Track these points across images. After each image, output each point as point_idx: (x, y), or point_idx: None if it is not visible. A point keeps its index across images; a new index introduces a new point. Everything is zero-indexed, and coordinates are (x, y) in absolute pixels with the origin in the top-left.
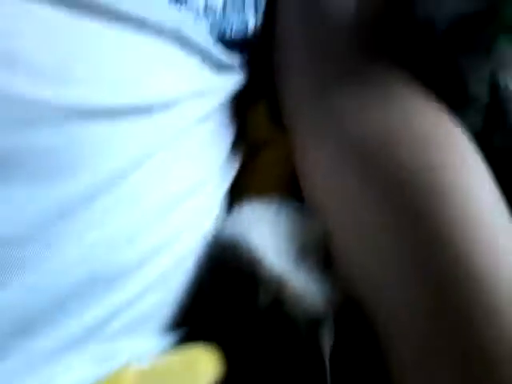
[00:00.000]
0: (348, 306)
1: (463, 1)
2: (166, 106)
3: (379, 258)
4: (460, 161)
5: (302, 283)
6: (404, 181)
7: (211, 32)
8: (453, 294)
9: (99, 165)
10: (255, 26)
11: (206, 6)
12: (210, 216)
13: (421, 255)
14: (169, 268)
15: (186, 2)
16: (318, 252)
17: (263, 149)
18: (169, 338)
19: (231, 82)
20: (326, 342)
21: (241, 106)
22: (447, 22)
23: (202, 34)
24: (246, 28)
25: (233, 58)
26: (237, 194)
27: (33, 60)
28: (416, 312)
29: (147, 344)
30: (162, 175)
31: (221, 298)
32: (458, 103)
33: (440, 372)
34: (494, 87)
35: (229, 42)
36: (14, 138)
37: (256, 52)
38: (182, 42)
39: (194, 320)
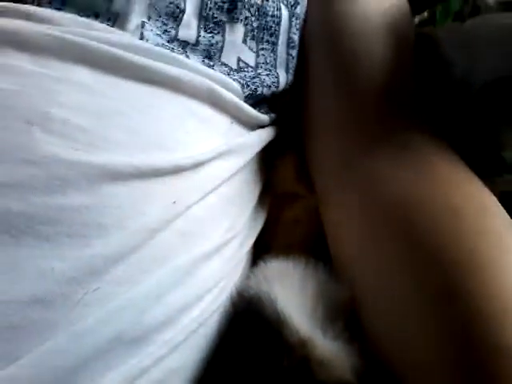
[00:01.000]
0: (375, 373)
1: (494, 69)
2: (195, 166)
3: (412, 330)
4: (495, 236)
5: (329, 348)
6: (428, 247)
7: (243, 89)
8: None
9: (128, 225)
10: (286, 83)
11: (238, 63)
12: (235, 272)
13: (458, 331)
14: (192, 327)
15: (219, 59)
16: (345, 316)
17: (289, 203)
18: None
19: (260, 137)
20: None
21: (268, 158)
22: (483, 83)
23: (233, 90)
24: (277, 85)
25: (263, 114)
26: (261, 249)
27: (68, 122)
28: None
29: None
30: (188, 234)
31: (245, 358)
32: (493, 169)
33: None
34: None
35: (260, 99)
36: (45, 198)
37: (286, 107)
38: (214, 99)
39: (216, 381)
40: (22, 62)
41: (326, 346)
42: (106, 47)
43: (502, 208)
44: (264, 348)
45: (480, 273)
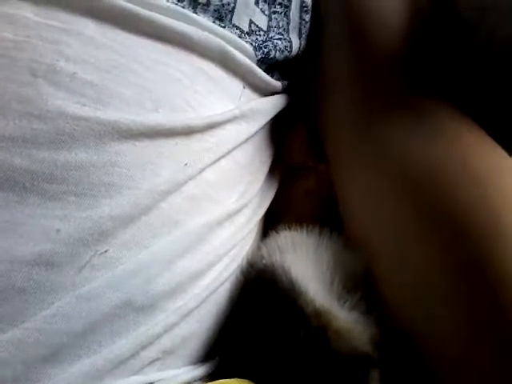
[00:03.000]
0: (393, 340)
1: None
2: (206, 128)
3: (429, 291)
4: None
5: (346, 319)
6: (450, 214)
7: (255, 52)
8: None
9: (137, 186)
10: (299, 48)
11: (250, 26)
12: (247, 242)
13: (488, 293)
14: (203, 295)
15: (231, 21)
16: (361, 287)
17: (300, 175)
18: (200, 370)
19: (273, 104)
20: (376, 376)
21: (280, 129)
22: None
23: (246, 52)
24: (290, 50)
25: (275, 80)
26: (272, 220)
27: (75, 76)
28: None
29: (178, 376)
30: (200, 199)
31: (258, 328)
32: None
33: None
34: None
35: (272, 63)
36: (50, 154)
37: (297, 76)
38: (227, 61)
39: (225, 351)
40: (25, 11)
41: (342, 316)
42: (117, 0)
43: None
44: (278, 318)
45: (506, 237)
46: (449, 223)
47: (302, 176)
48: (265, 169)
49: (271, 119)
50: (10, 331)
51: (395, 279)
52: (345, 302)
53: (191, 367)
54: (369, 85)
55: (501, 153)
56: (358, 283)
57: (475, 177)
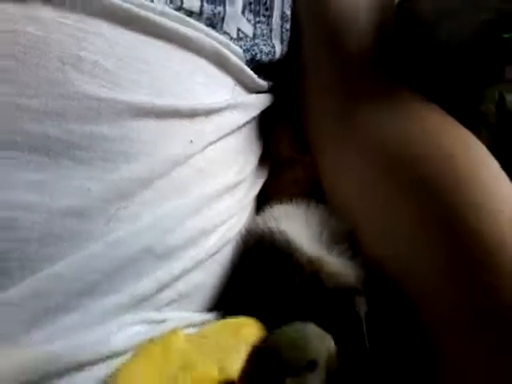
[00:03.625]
0: (375, 279)
1: (470, 32)
2: (207, 112)
3: (405, 239)
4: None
5: (335, 263)
6: (421, 176)
7: (244, 55)
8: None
9: (148, 157)
10: (281, 53)
11: (238, 33)
12: (244, 213)
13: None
14: (212, 250)
15: (221, 28)
16: (347, 240)
17: (288, 166)
18: (209, 315)
19: (260, 100)
20: (362, 307)
21: (267, 126)
22: (458, 49)
23: (236, 54)
24: (274, 54)
25: (261, 80)
26: (263, 205)
27: (97, 63)
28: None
29: (191, 318)
30: (204, 171)
31: (258, 280)
32: (471, 121)
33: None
34: (502, 107)
35: (258, 66)
36: (78, 126)
37: (282, 77)
38: (220, 60)
39: (232, 301)
40: (45, 13)
41: (332, 261)
42: (124, 4)
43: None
44: (277, 271)
45: (467, 189)
46: (423, 186)
47: (289, 166)
48: (257, 155)
49: (259, 114)
50: (51, 268)
51: (373, 235)
52: (333, 251)
53: (203, 313)
54: (346, 79)
55: (463, 129)
56: (344, 237)
57: (443, 147)
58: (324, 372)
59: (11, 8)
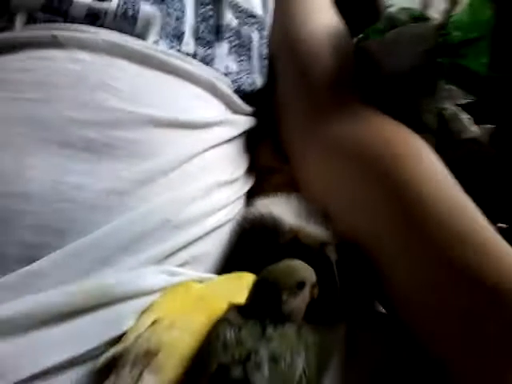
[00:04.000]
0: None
1: (410, 61)
2: (204, 125)
3: (367, 215)
4: (415, 151)
5: (311, 228)
6: (379, 168)
7: (231, 85)
8: (415, 216)
9: (162, 155)
10: (261, 84)
11: (226, 69)
12: (239, 202)
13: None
14: (213, 227)
15: (213, 65)
16: (321, 216)
17: (269, 175)
18: (216, 276)
19: (246, 120)
20: (332, 255)
21: (252, 142)
22: (401, 77)
23: (226, 85)
24: (255, 85)
25: (246, 105)
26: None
27: (120, 88)
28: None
29: (201, 276)
30: (205, 169)
31: (251, 249)
32: (416, 128)
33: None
34: (441, 115)
35: (243, 94)
36: (110, 132)
37: (263, 104)
38: (214, 90)
39: (233, 268)
40: (83, 55)
41: (309, 228)
42: (140, 48)
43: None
44: (266, 238)
45: (410, 173)
46: (381, 176)
47: (271, 174)
48: (245, 165)
49: (246, 132)
50: (100, 230)
51: (340, 212)
52: (309, 223)
53: (210, 274)
54: (313, 100)
55: (412, 134)
56: (318, 215)
57: (397, 147)
58: (309, 294)
59: (55, 52)
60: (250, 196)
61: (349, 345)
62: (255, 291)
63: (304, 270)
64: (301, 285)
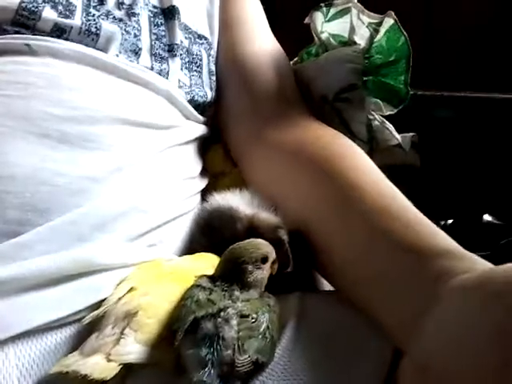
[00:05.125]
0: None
1: (341, 80)
2: (164, 128)
3: (307, 202)
4: (348, 149)
5: (264, 215)
6: (315, 165)
7: (185, 96)
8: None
9: (129, 149)
10: (211, 97)
11: (179, 83)
12: (197, 197)
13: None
14: (179, 212)
15: (167, 78)
16: (269, 208)
17: (221, 178)
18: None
19: (199, 127)
20: (285, 237)
21: (204, 149)
22: (333, 93)
23: (181, 95)
24: (206, 97)
25: (199, 114)
26: None
27: (89, 90)
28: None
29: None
30: (172, 164)
31: (211, 233)
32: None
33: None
34: (369, 126)
35: (196, 105)
36: (82, 128)
37: (213, 115)
38: (171, 99)
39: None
40: (55, 62)
41: (261, 214)
42: (105, 58)
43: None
44: (224, 225)
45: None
46: (319, 173)
47: (222, 177)
48: (199, 166)
49: (199, 140)
50: (78, 209)
51: (292, 204)
52: (262, 210)
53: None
54: (256, 108)
55: (347, 139)
56: (267, 205)
57: (333, 149)
58: (269, 269)
59: (29, 58)
60: (204, 196)
61: (301, 310)
62: (224, 263)
63: (267, 247)
64: (264, 259)
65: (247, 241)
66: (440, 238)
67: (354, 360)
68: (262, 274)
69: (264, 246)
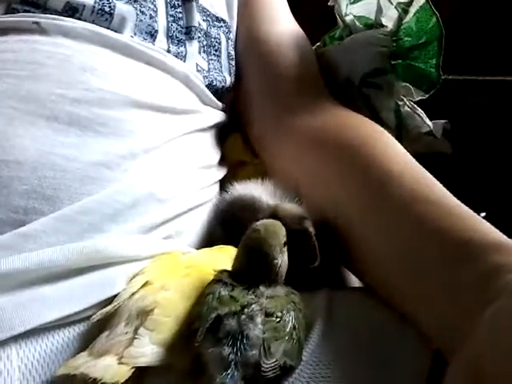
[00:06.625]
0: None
1: (368, 64)
2: (181, 112)
3: (340, 192)
4: (379, 136)
5: (287, 205)
6: (345, 152)
7: (203, 80)
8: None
9: (145, 134)
10: (230, 82)
11: (197, 67)
12: (216, 186)
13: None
14: (197, 202)
15: (185, 62)
16: (293, 196)
17: (240, 168)
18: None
19: (217, 114)
20: (310, 227)
21: (223, 138)
22: (359, 77)
23: (198, 79)
24: (225, 82)
25: (217, 101)
26: None
27: (103, 71)
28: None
29: (185, 249)
30: (186, 150)
31: (232, 225)
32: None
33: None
34: (398, 112)
35: (214, 90)
36: (95, 110)
37: (232, 99)
38: (188, 82)
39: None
40: (67, 42)
41: (284, 204)
42: (119, 38)
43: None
44: (245, 215)
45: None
46: (346, 158)
47: (242, 167)
48: (217, 156)
49: (217, 125)
50: (90, 198)
51: (314, 193)
52: (285, 201)
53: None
54: (281, 94)
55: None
56: (291, 196)
57: (364, 131)
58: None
59: (38, 37)
60: (223, 186)
61: (329, 309)
62: (246, 255)
63: (282, 228)
64: (285, 243)
65: (262, 226)
66: (487, 229)
67: (392, 363)
68: (285, 260)
69: (281, 228)
